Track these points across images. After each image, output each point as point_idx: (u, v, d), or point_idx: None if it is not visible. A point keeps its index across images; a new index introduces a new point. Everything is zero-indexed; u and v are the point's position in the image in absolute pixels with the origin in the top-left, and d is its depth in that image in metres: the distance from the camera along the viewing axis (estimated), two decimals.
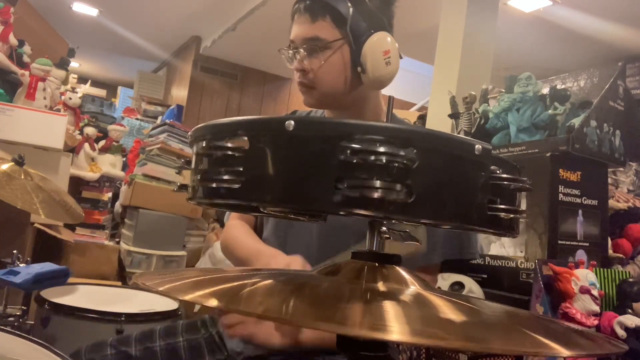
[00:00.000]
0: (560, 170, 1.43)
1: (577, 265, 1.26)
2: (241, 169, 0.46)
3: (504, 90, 1.75)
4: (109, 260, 2.92)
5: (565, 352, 0.40)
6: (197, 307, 2.07)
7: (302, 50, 1.08)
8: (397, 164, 0.42)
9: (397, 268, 0.51)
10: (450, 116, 1.94)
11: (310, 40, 1.07)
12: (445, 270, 1.33)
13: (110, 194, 3.38)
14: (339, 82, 1.09)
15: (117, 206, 3.28)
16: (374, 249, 0.53)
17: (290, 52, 1.11)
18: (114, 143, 3.41)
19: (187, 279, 0.50)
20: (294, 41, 1.10)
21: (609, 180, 1.65)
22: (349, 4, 1.04)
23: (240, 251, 1.18)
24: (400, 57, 1.09)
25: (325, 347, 0.99)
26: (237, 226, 1.25)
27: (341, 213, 0.44)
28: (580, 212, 1.45)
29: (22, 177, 1.46)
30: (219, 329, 1.15)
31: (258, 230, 1.26)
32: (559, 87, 1.61)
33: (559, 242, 1.40)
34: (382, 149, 0.42)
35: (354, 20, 1.04)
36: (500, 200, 0.48)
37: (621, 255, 1.57)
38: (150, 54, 6.58)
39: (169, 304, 1.61)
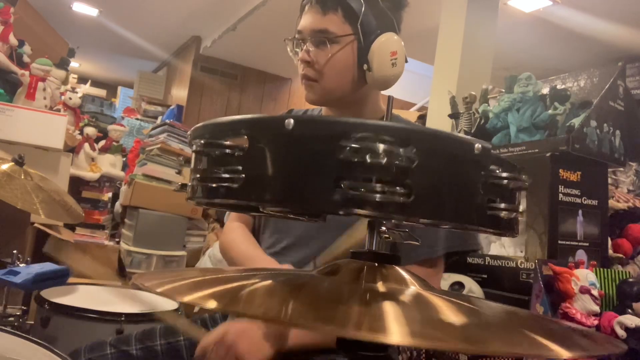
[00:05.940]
0: (560, 170, 1.43)
1: (577, 265, 1.26)
2: (240, 169, 0.46)
3: (504, 90, 1.75)
4: (109, 260, 2.92)
5: (565, 353, 0.40)
6: (197, 307, 2.07)
7: (309, 41, 1.07)
8: (396, 163, 0.42)
9: (397, 268, 0.51)
10: (450, 116, 1.94)
11: (319, 32, 1.05)
12: (445, 270, 1.32)
13: (110, 194, 3.39)
14: (344, 78, 1.07)
15: (117, 206, 3.28)
16: (374, 249, 0.53)
17: (297, 42, 1.09)
18: (114, 143, 3.41)
19: (186, 279, 0.50)
20: (302, 32, 1.08)
21: (609, 180, 1.65)
22: (362, 1, 1.03)
23: (236, 256, 1.17)
24: (406, 61, 1.08)
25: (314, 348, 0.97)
26: (235, 229, 1.23)
27: (340, 213, 0.44)
28: (580, 212, 1.45)
29: (22, 177, 1.46)
30: None
31: (256, 231, 1.25)
32: (559, 87, 1.61)
33: (559, 242, 1.40)
34: (381, 148, 0.42)
35: (365, 17, 1.03)
36: (499, 200, 0.47)
37: (621, 255, 1.57)
38: (150, 54, 6.58)
39: (169, 304, 1.60)
